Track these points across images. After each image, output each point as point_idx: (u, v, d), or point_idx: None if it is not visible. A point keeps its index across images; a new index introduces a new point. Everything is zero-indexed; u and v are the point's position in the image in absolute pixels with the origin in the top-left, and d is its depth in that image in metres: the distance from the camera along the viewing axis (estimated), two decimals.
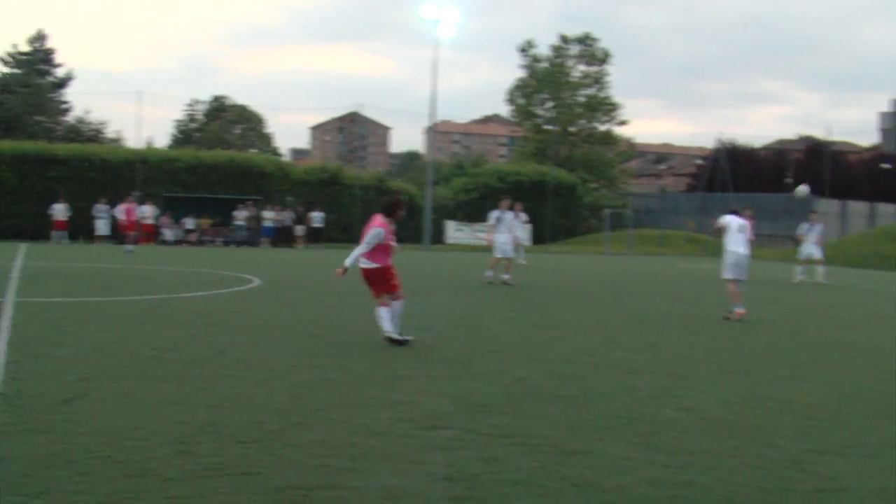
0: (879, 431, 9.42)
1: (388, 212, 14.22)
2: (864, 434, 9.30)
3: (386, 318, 13.89)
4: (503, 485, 7.02)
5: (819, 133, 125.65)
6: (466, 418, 9.16)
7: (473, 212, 60.52)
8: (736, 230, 19.53)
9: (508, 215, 27.37)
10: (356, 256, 13.75)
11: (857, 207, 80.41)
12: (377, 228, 13.82)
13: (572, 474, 7.36)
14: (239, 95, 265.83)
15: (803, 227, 34.95)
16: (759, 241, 69.50)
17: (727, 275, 19.67)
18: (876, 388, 12.03)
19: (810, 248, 34.46)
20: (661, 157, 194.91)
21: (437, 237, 57.08)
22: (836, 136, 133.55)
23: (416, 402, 9.78)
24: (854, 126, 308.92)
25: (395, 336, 13.86)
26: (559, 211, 65.55)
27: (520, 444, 8.20)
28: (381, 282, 13.93)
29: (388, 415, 9.16)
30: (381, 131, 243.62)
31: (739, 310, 19.26)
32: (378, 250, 13.86)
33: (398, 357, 12.78)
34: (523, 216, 37.21)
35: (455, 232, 58.75)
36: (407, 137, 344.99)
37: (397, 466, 7.40)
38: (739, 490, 7.16)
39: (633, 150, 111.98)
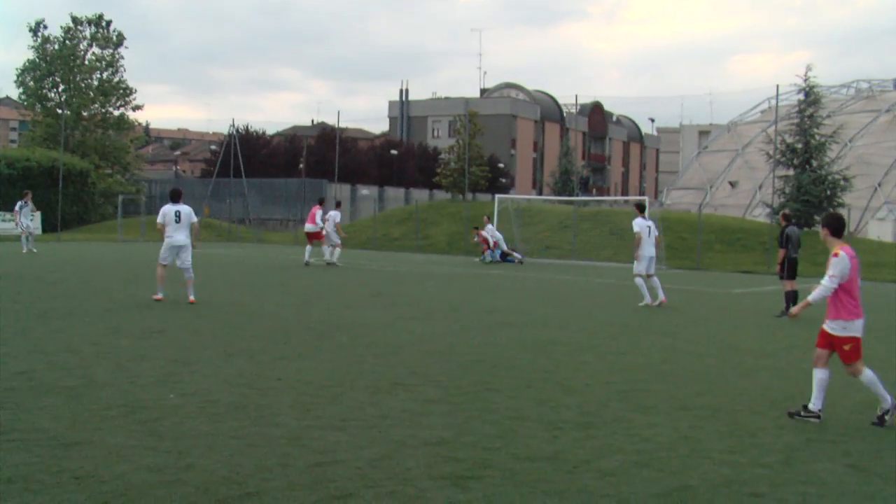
0: (376, 405, 9.90)
1: None
2: (361, 408, 9.76)
3: None
4: None
5: (332, 120, 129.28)
6: None
7: None
8: (174, 220, 19.99)
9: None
10: None
11: (367, 191, 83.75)
12: None
13: (71, 467, 7.22)
14: None
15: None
16: (271, 226, 70.79)
17: (162, 260, 20.27)
18: (374, 363, 12.65)
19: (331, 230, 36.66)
20: (177, 142, 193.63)
21: None
22: (349, 123, 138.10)
23: None
24: (366, 114, 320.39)
25: None
26: (71, 198, 63.57)
27: (17, 440, 7.95)
28: None
29: None
30: None
31: (159, 295, 19.96)
32: None
33: None
34: (31, 204, 36.83)
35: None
36: None
37: None
38: (240, 469, 7.32)
39: (148, 136, 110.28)
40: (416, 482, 7.18)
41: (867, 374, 9.92)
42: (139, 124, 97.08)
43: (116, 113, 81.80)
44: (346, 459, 7.74)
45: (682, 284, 31.16)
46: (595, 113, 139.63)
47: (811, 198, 50.56)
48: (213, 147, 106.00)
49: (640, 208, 23.36)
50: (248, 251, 47.77)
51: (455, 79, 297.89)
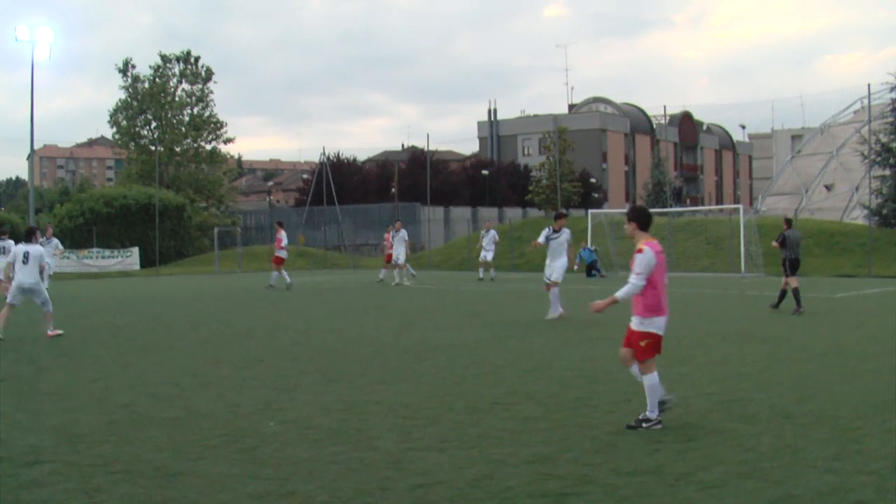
0: (476, 425, 9.88)
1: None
2: (461, 428, 9.74)
3: None
4: None
5: (422, 143, 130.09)
6: (67, 450, 8.90)
7: (80, 238, 58.68)
8: (21, 261, 18.95)
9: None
10: None
11: (460, 213, 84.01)
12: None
13: (174, 497, 7.31)
14: None
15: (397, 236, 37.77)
16: (366, 251, 71.14)
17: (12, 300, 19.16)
18: (473, 383, 12.64)
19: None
20: (270, 173, 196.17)
21: None
22: (439, 145, 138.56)
23: (12, 439, 9.38)
24: (455, 135, 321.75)
25: None
26: (168, 233, 64.63)
27: (122, 472, 8.06)
28: None
29: None
30: None
31: None
32: None
33: None
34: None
35: (60, 260, 56.37)
36: (9, 165, 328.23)
37: None
38: (340, 494, 7.34)
39: (241, 168, 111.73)
40: (517, 500, 7.16)
41: (653, 378, 9.70)
42: (231, 157, 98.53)
43: (208, 147, 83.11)
44: (446, 480, 7.73)
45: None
46: (685, 122, 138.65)
47: None
48: (305, 176, 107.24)
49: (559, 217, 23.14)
50: (344, 277, 48.09)
51: (543, 95, 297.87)
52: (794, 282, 23.81)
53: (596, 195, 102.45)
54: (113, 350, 16.97)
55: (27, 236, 19.66)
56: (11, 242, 31.31)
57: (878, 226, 49.98)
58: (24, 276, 18.93)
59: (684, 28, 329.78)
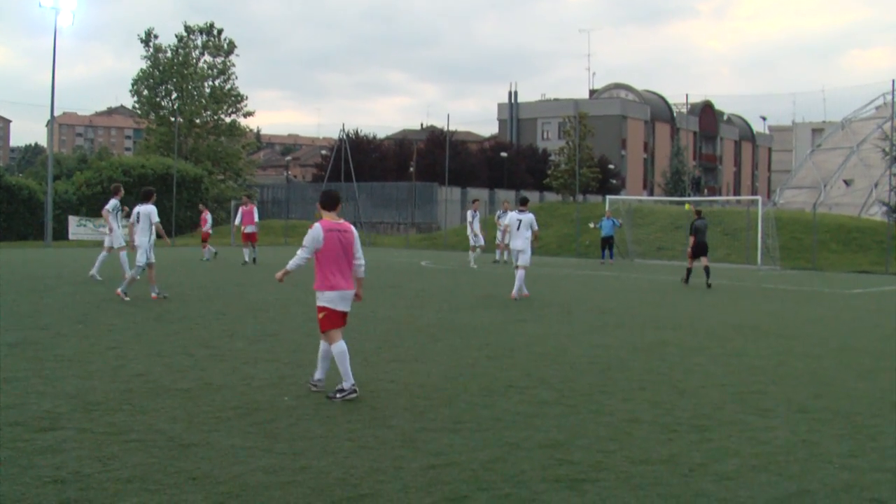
0: (490, 407, 9.88)
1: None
2: (475, 410, 9.75)
3: None
4: (117, 483, 6.90)
5: (442, 123, 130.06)
6: (81, 417, 8.93)
7: (97, 206, 58.66)
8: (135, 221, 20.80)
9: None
10: None
11: (477, 194, 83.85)
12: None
13: (188, 468, 7.32)
14: None
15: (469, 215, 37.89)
16: (382, 229, 71.16)
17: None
18: (487, 365, 12.63)
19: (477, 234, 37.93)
20: (288, 148, 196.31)
21: (61, 233, 54.74)
22: (459, 126, 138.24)
23: (28, 404, 9.42)
24: (475, 116, 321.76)
25: None
26: (185, 204, 64.56)
27: (136, 441, 8.09)
28: None
29: None
30: (0, 124, 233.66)
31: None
32: None
33: (9, 358, 12.22)
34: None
35: (77, 227, 56.50)
36: (28, 130, 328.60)
37: (5, 472, 7.10)
38: (354, 471, 7.35)
39: (259, 142, 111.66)
40: (531, 484, 7.14)
41: (339, 347, 10.22)
42: (250, 130, 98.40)
43: (228, 120, 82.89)
44: (459, 461, 7.73)
45: (797, 285, 30.68)
46: (706, 112, 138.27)
47: None
48: (323, 152, 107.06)
49: (522, 202, 23.77)
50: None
51: (564, 80, 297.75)
52: (704, 261, 28.77)
53: (614, 181, 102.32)
54: (128, 319, 17.01)
55: (144, 197, 20.93)
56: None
57: None
58: (138, 235, 20.60)
59: (708, 18, 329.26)
